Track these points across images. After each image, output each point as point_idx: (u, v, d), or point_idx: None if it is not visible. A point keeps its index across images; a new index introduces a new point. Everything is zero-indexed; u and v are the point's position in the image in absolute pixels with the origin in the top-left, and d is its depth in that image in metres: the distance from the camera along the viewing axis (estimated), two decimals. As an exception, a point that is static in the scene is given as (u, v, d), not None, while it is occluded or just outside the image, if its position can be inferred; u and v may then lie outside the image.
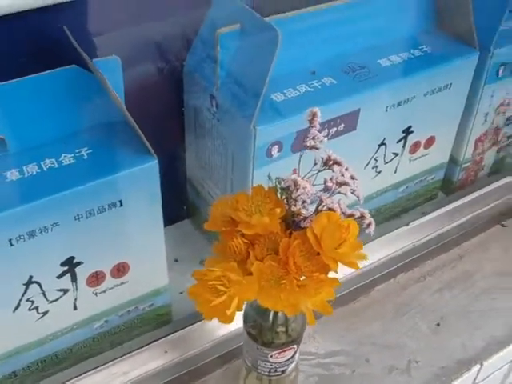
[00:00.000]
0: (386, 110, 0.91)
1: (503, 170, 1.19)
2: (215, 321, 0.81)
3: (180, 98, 0.89)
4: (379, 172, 0.99)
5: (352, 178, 0.62)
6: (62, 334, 0.80)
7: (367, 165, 0.95)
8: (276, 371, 0.72)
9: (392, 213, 1.07)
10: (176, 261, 0.98)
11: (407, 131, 0.97)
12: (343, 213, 0.61)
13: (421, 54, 0.94)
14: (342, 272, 0.91)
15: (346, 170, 0.62)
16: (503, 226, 1.12)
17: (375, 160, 0.96)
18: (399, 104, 0.92)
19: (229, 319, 0.57)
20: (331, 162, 0.60)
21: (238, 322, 0.83)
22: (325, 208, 0.60)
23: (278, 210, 0.59)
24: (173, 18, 0.82)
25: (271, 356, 0.69)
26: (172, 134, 0.92)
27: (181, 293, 0.92)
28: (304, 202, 0.60)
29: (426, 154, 1.04)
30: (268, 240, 0.59)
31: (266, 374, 0.72)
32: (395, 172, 1.02)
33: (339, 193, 0.60)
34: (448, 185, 1.13)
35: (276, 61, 0.73)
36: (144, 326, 0.87)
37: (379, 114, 0.90)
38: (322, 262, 0.59)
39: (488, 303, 0.99)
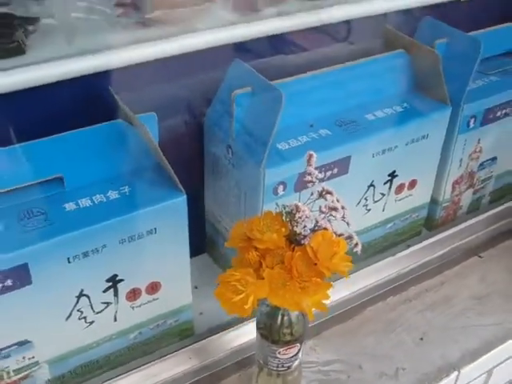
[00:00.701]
0: (373, 157, 1.08)
1: (479, 209, 1.35)
2: (232, 333, 0.98)
3: (201, 147, 1.07)
4: (369, 210, 1.15)
5: (342, 207, 0.79)
6: (103, 342, 0.96)
7: (358, 203, 1.12)
8: (283, 366, 0.87)
9: (381, 246, 1.23)
10: (196, 288, 1.14)
11: (392, 175, 1.14)
12: (334, 233, 0.78)
13: (402, 109, 1.12)
14: (339, 294, 1.09)
15: (338, 200, 0.79)
16: (480, 257, 1.28)
17: (365, 199, 1.13)
18: (384, 152, 1.09)
19: (246, 313, 0.73)
20: (324, 192, 0.77)
21: (249, 336, 1.01)
22: (320, 228, 0.77)
23: (284, 229, 0.76)
24: (196, 81, 1.00)
25: (279, 352, 0.85)
26: (193, 176, 1.09)
27: (200, 313, 1.09)
28: (305, 226, 0.78)
29: (410, 195, 1.21)
30: (276, 253, 0.76)
31: (275, 368, 0.88)
32: (383, 210, 1.18)
33: (331, 216, 0.77)
34: (430, 222, 1.30)
35: (281, 116, 0.91)
36: (171, 339, 1.03)
37: (367, 160, 1.08)
38: (318, 270, 0.75)
39: (464, 322, 1.15)
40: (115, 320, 0.95)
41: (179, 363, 0.99)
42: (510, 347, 1.15)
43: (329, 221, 0.78)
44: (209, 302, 1.07)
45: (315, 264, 0.76)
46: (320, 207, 0.77)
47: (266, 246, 0.76)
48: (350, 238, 0.80)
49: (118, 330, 0.96)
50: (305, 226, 0.78)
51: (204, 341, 1.02)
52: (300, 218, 0.75)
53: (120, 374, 0.96)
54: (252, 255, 0.76)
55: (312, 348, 1.06)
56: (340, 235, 0.78)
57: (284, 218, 0.77)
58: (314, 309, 0.77)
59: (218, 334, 1.03)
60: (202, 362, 1.00)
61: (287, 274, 0.75)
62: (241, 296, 0.73)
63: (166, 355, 1.00)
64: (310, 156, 0.77)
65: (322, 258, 0.75)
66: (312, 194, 0.79)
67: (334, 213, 0.76)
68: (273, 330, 0.85)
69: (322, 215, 0.77)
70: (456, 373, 1.07)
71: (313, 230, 0.77)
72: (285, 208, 0.77)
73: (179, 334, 1.04)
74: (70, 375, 0.96)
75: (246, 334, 1.03)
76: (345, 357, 1.06)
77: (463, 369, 1.08)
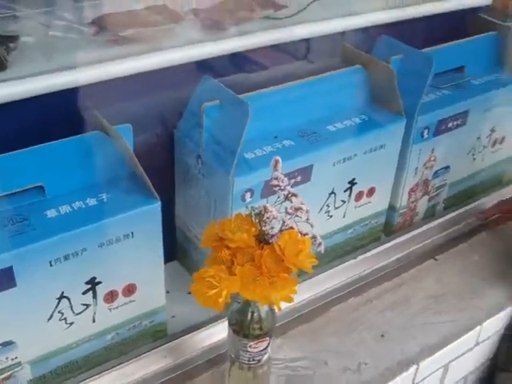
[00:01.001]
0: (334, 165, 1.15)
1: (434, 215, 1.44)
2: (203, 333, 1.04)
3: (172, 157, 1.13)
4: (331, 216, 1.23)
5: (307, 210, 0.86)
6: (82, 343, 1.01)
7: (320, 210, 1.19)
8: (254, 360, 0.93)
9: (343, 251, 1.31)
10: (168, 292, 1.19)
11: (352, 182, 1.21)
12: (300, 232, 0.85)
13: (360, 121, 1.20)
14: (304, 295, 1.16)
15: (302, 203, 0.85)
16: (435, 260, 1.36)
17: (327, 206, 1.20)
18: (344, 160, 1.16)
19: (220, 306, 0.79)
20: (290, 195, 0.84)
21: (219, 335, 1.07)
22: (287, 228, 0.83)
23: (253, 229, 0.83)
24: (168, 95, 1.07)
25: (250, 346, 0.91)
26: (165, 185, 1.14)
27: (173, 316, 1.14)
28: (272, 227, 0.84)
29: (369, 202, 1.28)
30: (246, 251, 0.82)
31: (246, 362, 0.94)
32: (344, 217, 1.26)
33: (297, 216, 0.83)
34: (389, 228, 1.37)
35: (247, 128, 0.98)
36: (145, 339, 1.08)
37: (328, 169, 1.15)
38: (285, 266, 0.82)
39: (422, 320, 1.22)
40: (94, 321, 1.00)
41: (153, 362, 1.05)
42: (464, 343, 1.23)
43: (294, 221, 0.84)
44: (180, 306, 1.15)
45: (282, 261, 0.82)
46: (286, 208, 0.84)
47: (237, 245, 0.82)
48: (314, 237, 0.87)
49: (96, 331, 1.01)
50: (272, 228, 0.84)
51: (177, 340, 1.08)
52: (268, 218, 0.82)
53: (97, 374, 1.01)
54: (224, 254, 0.82)
55: (279, 346, 1.12)
56: (305, 235, 0.85)
57: (253, 218, 0.84)
58: (282, 302, 0.83)
59: (190, 334, 1.08)
60: (175, 360, 1.06)
61: (257, 271, 0.81)
62: (215, 291, 0.79)
63: (140, 355, 1.05)
64: (276, 161, 0.84)
65: (288, 255, 0.82)
66: (279, 197, 0.86)
67: (299, 213, 0.83)
68: (244, 326, 0.91)
69: (289, 216, 0.83)
70: (415, 366, 1.14)
71: (280, 230, 0.84)
72: (254, 210, 0.84)
73: (153, 334, 1.09)
74: (50, 375, 1.00)
75: (217, 333, 1.09)
76: (310, 354, 1.13)
77: (421, 363, 1.15)
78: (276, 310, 0.88)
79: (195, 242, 1.18)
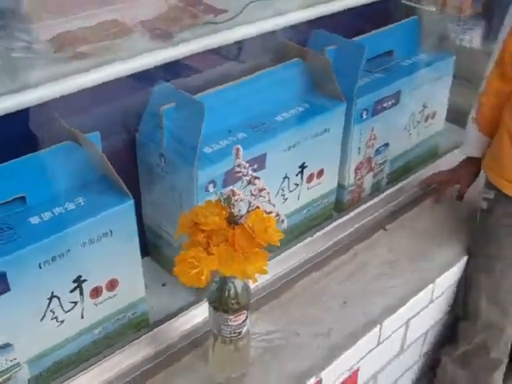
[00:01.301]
0: (285, 152, 1.26)
1: (380, 190, 1.55)
2: (182, 318, 1.13)
3: (135, 159, 1.21)
4: (286, 199, 1.33)
5: (268, 192, 0.96)
6: (73, 339, 1.09)
7: (277, 194, 1.29)
8: (235, 333, 1.03)
9: (300, 230, 1.41)
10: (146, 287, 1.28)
11: (302, 166, 1.32)
12: (265, 211, 0.94)
13: (303, 109, 1.31)
14: (270, 274, 1.25)
15: (264, 185, 0.95)
16: (385, 229, 1.48)
17: (282, 190, 1.30)
18: (293, 146, 1.26)
19: (203, 283, 0.89)
20: (253, 178, 0.93)
21: (198, 319, 1.15)
22: (253, 208, 0.93)
23: (224, 212, 0.92)
24: (127, 102, 1.15)
25: (230, 320, 1.01)
26: (129, 187, 1.21)
27: (152, 307, 1.22)
28: (240, 210, 0.94)
29: (319, 183, 1.39)
30: (220, 233, 0.92)
31: (228, 335, 1.03)
32: (298, 199, 1.36)
33: (261, 196, 0.93)
34: (339, 205, 1.48)
35: (204, 125, 1.07)
36: (130, 330, 1.16)
37: (280, 156, 1.25)
38: (256, 242, 0.92)
39: (379, 284, 1.33)
40: (82, 317, 1.08)
41: (140, 350, 1.13)
42: (420, 300, 1.35)
43: (260, 202, 0.94)
44: (158, 297, 1.24)
45: (253, 237, 0.92)
46: (251, 191, 0.94)
47: (210, 227, 0.91)
48: (277, 215, 0.97)
49: (85, 327, 1.09)
50: (240, 210, 0.94)
51: (159, 328, 1.16)
52: (236, 201, 0.92)
53: (89, 367, 1.09)
54: (200, 237, 0.91)
55: (254, 322, 1.22)
56: (269, 213, 0.95)
57: (222, 203, 0.93)
58: (256, 274, 0.93)
59: (170, 321, 1.17)
60: (159, 346, 1.14)
61: (232, 249, 0.91)
62: (197, 270, 0.88)
63: (126, 345, 1.13)
64: (238, 150, 0.94)
65: (257, 231, 0.92)
66: (242, 182, 0.95)
67: (263, 193, 0.93)
68: (223, 302, 1.00)
69: (254, 197, 0.93)
70: (378, 326, 1.25)
71: (247, 211, 0.94)
72: (222, 195, 0.93)
73: (137, 325, 1.17)
74: (46, 373, 1.08)
75: (195, 317, 1.18)
76: (283, 326, 1.23)
77: (384, 323, 1.26)
78: (251, 285, 0.98)
79: (166, 237, 1.27)
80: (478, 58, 1.86)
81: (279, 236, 0.94)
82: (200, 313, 1.17)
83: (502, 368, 1.46)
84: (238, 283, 1.00)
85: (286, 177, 1.29)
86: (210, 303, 1.03)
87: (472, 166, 1.50)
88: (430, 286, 1.37)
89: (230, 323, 1.01)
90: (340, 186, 1.46)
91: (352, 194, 1.49)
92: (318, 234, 1.38)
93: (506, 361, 1.46)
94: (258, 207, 0.93)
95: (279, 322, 1.23)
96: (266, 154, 1.21)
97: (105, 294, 1.09)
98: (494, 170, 1.39)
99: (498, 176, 1.36)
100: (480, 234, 1.45)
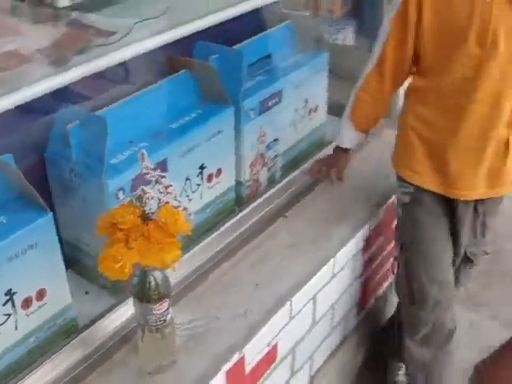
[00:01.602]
0: (184, 156, 1.37)
1: (275, 182, 1.69)
2: (108, 319, 1.22)
3: (46, 177, 1.30)
4: (190, 200, 1.44)
5: (174, 188, 1.07)
6: (10, 350, 1.16)
7: (181, 195, 1.40)
8: (160, 320, 1.13)
9: (206, 227, 1.51)
10: (70, 296, 1.36)
11: (202, 167, 1.44)
12: (174, 206, 1.06)
13: (197, 115, 1.42)
14: (184, 270, 1.36)
15: (170, 182, 1.07)
16: (285, 216, 1.62)
17: (185, 191, 1.41)
18: (191, 149, 1.38)
19: (126, 275, 0.99)
20: (160, 177, 1.05)
21: (122, 318, 1.25)
22: (163, 203, 1.04)
23: (137, 211, 1.03)
24: (34, 124, 1.24)
25: (154, 309, 1.11)
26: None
27: (79, 312, 1.31)
28: (150, 208, 1.05)
29: (219, 182, 1.51)
30: (136, 229, 1.03)
31: (154, 324, 1.13)
32: (201, 198, 1.47)
33: (168, 193, 1.04)
34: (240, 201, 1.61)
35: (108, 138, 1.18)
36: (62, 337, 1.25)
37: (180, 159, 1.36)
38: (169, 233, 1.03)
39: (284, 266, 1.47)
40: (16, 329, 1.15)
41: (71, 354, 1.21)
42: (323, 276, 1.49)
43: (168, 198, 1.06)
44: (83, 305, 1.32)
45: (166, 230, 1.03)
46: (159, 189, 1.05)
47: (127, 226, 1.02)
48: (185, 209, 1.08)
49: (19, 338, 1.17)
50: (150, 208, 1.05)
51: (88, 330, 1.25)
52: (147, 198, 1.03)
53: (23, 378, 1.15)
54: (119, 235, 1.02)
55: (176, 313, 1.31)
56: (177, 207, 1.07)
57: (135, 202, 1.04)
58: (172, 261, 1.04)
59: (98, 322, 1.26)
60: (90, 347, 1.23)
61: (148, 242, 1.02)
62: (120, 263, 0.99)
63: (58, 351, 1.21)
64: (143, 154, 1.05)
65: (169, 224, 1.03)
66: (150, 182, 1.06)
67: (170, 189, 1.04)
68: (145, 293, 1.11)
69: (162, 194, 1.05)
70: (289, 302, 1.39)
71: (158, 207, 1.05)
72: (134, 196, 1.04)
73: (67, 331, 1.26)
74: (-16, 388, 1.15)
75: (122, 315, 1.28)
76: (203, 314, 1.34)
77: (293, 298, 1.40)
78: (169, 273, 1.09)
79: (85, 248, 1.35)
80: (351, 54, 2.05)
81: (189, 226, 1.05)
82: (125, 311, 1.27)
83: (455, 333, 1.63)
84: (158, 274, 1.10)
85: (187, 178, 1.41)
86: (134, 296, 1.13)
87: (345, 152, 1.68)
88: (331, 261, 1.51)
89: (154, 312, 1.12)
90: (238, 183, 1.58)
91: (250, 189, 1.62)
92: (223, 228, 1.50)
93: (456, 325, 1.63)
94: (167, 202, 1.04)
95: (198, 310, 1.34)
96: (166, 159, 1.32)
97: (35, 304, 1.17)
98: (408, 168, 1.54)
99: (414, 173, 1.52)
100: (408, 223, 1.59)
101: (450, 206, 1.53)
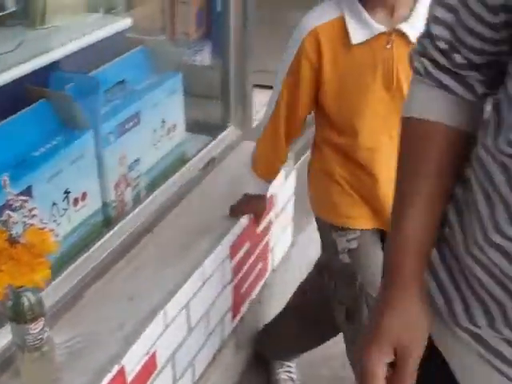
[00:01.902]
0: (48, 182, 1.42)
1: (141, 200, 1.76)
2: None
3: None
4: (59, 224, 1.49)
5: (37, 211, 1.13)
6: None
7: (49, 220, 1.45)
8: (37, 339, 1.18)
9: (78, 249, 1.56)
10: None
11: (67, 192, 1.49)
12: (39, 228, 1.11)
13: (57, 142, 1.48)
14: (57, 294, 1.40)
15: (34, 206, 1.12)
16: (152, 232, 1.69)
17: (53, 216, 1.46)
18: (55, 175, 1.43)
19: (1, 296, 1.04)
20: (23, 202, 1.10)
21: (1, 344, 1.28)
22: (28, 225, 1.10)
23: (4, 235, 1.08)
24: None
25: (31, 328, 1.16)
26: None
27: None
28: (17, 232, 1.10)
29: (85, 205, 1.56)
30: (5, 253, 1.07)
31: (32, 343, 1.18)
32: (69, 222, 1.52)
33: (33, 215, 1.10)
34: (108, 221, 1.67)
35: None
36: None
37: (44, 186, 1.41)
38: (38, 253, 1.09)
39: (155, 278, 1.54)
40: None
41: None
42: (194, 283, 1.57)
43: (34, 221, 1.11)
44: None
45: (34, 250, 1.08)
46: (23, 213, 1.10)
47: (-5, 251, 1.07)
48: (51, 230, 1.14)
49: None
50: (17, 232, 1.10)
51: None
52: (13, 222, 1.08)
53: None
54: (-13, 261, 1.06)
55: (55, 334, 1.36)
56: (43, 228, 1.12)
57: (1, 227, 1.09)
58: (43, 280, 1.09)
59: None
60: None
61: (18, 264, 1.07)
62: (-8, 287, 1.03)
63: None
64: (5, 181, 1.10)
65: (37, 244, 1.08)
66: (14, 209, 1.11)
67: (34, 211, 1.10)
68: (20, 314, 1.15)
69: (27, 217, 1.10)
70: (162, 311, 1.46)
71: (24, 229, 1.10)
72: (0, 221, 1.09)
73: None
74: None
75: (-1, 342, 1.31)
76: (81, 331, 1.39)
77: (166, 307, 1.47)
78: (45, 294, 1.15)
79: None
80: (207, 74, 2.16)
81: (55, 244, 1.11)
82: (1, 338, 1.30)
83: None
84: (30, 295, 1.15)
85: (54, 204, 1.45)
86: (10, 320, 1.17)
87: (260, 199, 1.76)
88: (200, 269, 1.60)
89: (31, 332, 1.16)
90: (104, 204, 1.64)
91: (117, 210, 1.68)
92: (93, 248, 1.55)
93: None
94: (32, 224, 1.10)
95: (77, 328, 1.39)
96: (31, 186, 1.37)
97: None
98: (348, 216, 1.58)
99: (356, 218, 1.57)
100: (358, 264, 1.58)
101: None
